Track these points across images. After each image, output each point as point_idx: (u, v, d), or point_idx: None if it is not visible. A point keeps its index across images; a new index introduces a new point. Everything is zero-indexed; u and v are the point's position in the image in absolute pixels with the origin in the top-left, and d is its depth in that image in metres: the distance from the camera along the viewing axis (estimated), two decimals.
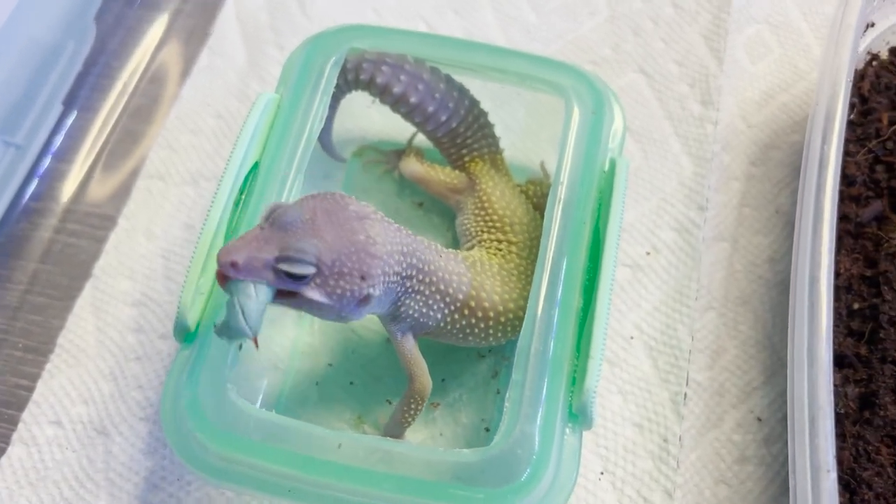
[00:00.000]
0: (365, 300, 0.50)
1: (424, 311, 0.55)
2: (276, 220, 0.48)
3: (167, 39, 0.83)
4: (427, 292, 0.55)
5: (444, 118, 0.65)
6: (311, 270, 0.47)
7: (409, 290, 0.54)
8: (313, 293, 0.48)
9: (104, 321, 0.67)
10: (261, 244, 0.47)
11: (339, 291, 0.49)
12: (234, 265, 0.46)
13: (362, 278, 0.49)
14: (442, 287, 0.55)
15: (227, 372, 0.51)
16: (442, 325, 0.57)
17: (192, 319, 0.53)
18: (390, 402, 0.63)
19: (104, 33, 0.82)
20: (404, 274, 0.53)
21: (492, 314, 0.57)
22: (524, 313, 0.54)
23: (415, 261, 0.53)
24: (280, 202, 0.50)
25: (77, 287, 0.69)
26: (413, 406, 0.58)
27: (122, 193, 0.74)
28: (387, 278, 0.51)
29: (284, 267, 0.47)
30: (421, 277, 0.54)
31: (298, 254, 0.47)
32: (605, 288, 0.54)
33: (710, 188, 0.73)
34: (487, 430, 0.62)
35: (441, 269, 0.55)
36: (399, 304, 0.54)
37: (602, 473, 0.61)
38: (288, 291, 0.48)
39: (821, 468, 0.49)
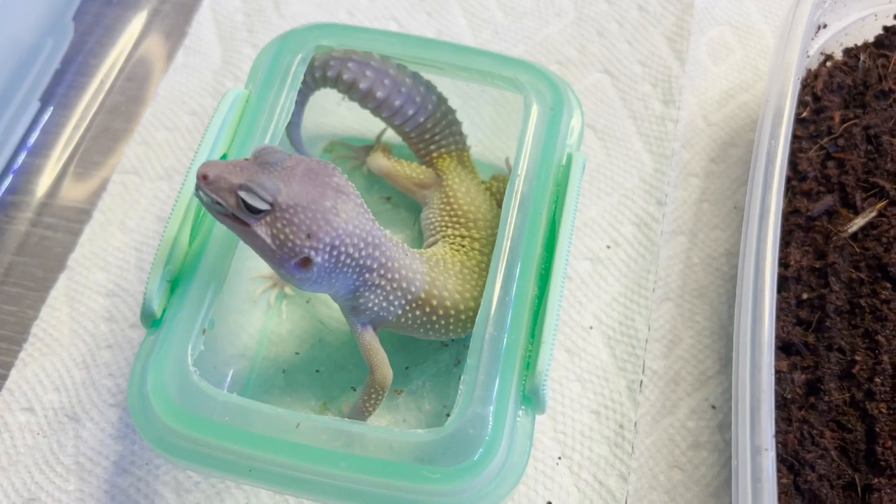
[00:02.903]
0: (305, 263, 0.52)
1: (384, 304, 0.57)
2: (260, 156, 0.51)
3: (144, 38, 0.85)
4: (388, 287, 0.57)
5: (411, 112, 0.67)
6: (264, 206, 0.50)
7: (370, 283, 0.56)
8: (260, 229, 0.51)
9: (78, 311, 0.69)
10: (235, 170, 0.51)
11: (281, 237, 0.51)
12: (204, 178, 0.50)
13: (308, 236, 0.51)
14: (404, 284, 0.57)
15: (190, 356, 0.53)
16: (402, 319, 0.59)
17: (157, 306, 0.55)
18: (355, 389, 0.65)
19: (82, 32, 0.84)
20: (362, 263, 0.54)
21: (452, 312, 0.59)
22: None
23: (378, 254, 0.55)
24: (272, 145, 0.53)
25: (52, 278, 0.71)
26: (374, 396, 0.59)
27: (98, 188, 0.76)
28: (337, 254, 0.52)
29: (243, 195, 0.50)
30: (382, 272, 0.56)
31: (259, 188, 0.50)
32: (558, 277, 0.56)
33: (669, 184, 0.75)
34: (448, 415, 0.64)
35: (404, 267, 0.57)
36: (359, 295, 0.56)
37: (560, 458, 0.63)
38: (242, 221, 0.51)
39: (761, 448, 0.51)
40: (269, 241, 0.51)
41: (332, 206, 0.51)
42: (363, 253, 0.54)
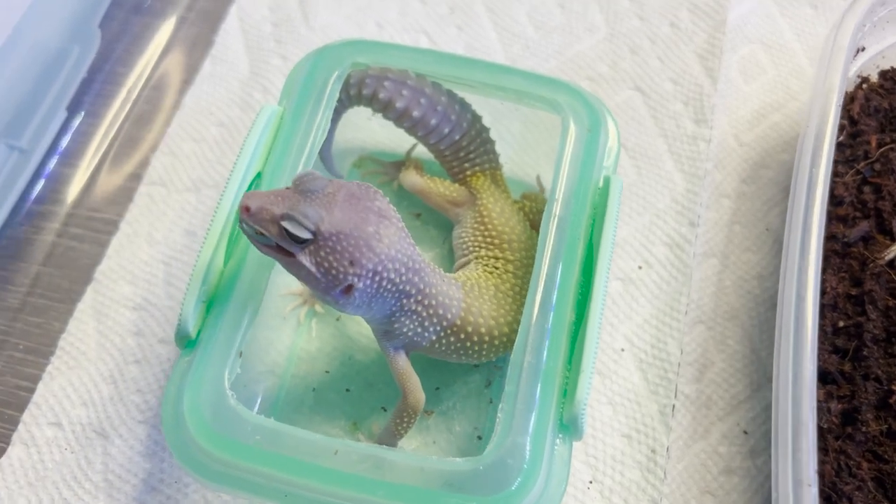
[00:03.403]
0: (348, 290, 0.51)
1: (419, 330, 0.57)
2: (301, 184, 0.51)
3: (171, 47, 0.84)
4: (425, 314, 0.56)
5: (446, 131, 0.67)
6: (307, 236, 0.50)
7: (406, 308, 0.55)
8: (304, 258, 0.50)
9: (105, 325, 0.68)
10: (277, 200, 0.50)
11: (325, 265, 0.50)
12: (247, 209, 0.50)
13: (351, 263, 0.50)
14: (441, 311, 0.57)
15: (227, 379, 0.52)
16: (436, 345, 0.59)
17: (193, 327, 0.54)
18: (385, 410, 0.64)
19: (109, 40, 0.84)
20: (402, 288, 0.54)
21: (486, 338, 0.59)
22: (517, 334, 0.55)
23: (417, 279, 0.55)
24: (312, 171, 0.52)
25: (78, 290, 0.71)
26: (406, 419, 0.59)
27: (125, 199, 0.75)
28: (379, 280, 0.52)
29: (286, 225, 0.49)
30: (420, 298, 0.56)
31: (301, 217, 0.49)
32: (597, 303, 0.55)
33: (701, 205, 0.74)
34: (480, 438, 0.63)
35: (441, 294, 0.57)
36: (394, 320, 0.56)
37: (591, 483, 0.63)
38: (286, 250, 0.51)
39: (802, 482, 0.50)
40: (314, 269, 0.50)
41: (375, 232, 0.51)
42: (403, 278, 0.53)
